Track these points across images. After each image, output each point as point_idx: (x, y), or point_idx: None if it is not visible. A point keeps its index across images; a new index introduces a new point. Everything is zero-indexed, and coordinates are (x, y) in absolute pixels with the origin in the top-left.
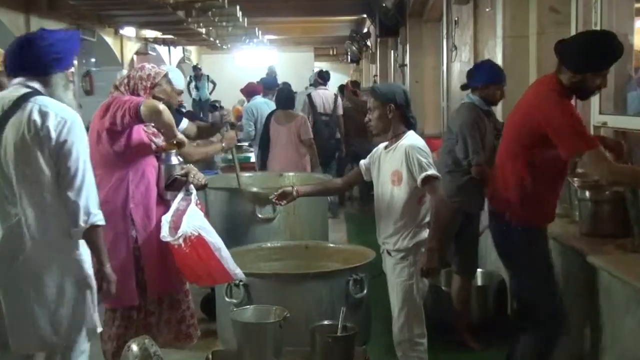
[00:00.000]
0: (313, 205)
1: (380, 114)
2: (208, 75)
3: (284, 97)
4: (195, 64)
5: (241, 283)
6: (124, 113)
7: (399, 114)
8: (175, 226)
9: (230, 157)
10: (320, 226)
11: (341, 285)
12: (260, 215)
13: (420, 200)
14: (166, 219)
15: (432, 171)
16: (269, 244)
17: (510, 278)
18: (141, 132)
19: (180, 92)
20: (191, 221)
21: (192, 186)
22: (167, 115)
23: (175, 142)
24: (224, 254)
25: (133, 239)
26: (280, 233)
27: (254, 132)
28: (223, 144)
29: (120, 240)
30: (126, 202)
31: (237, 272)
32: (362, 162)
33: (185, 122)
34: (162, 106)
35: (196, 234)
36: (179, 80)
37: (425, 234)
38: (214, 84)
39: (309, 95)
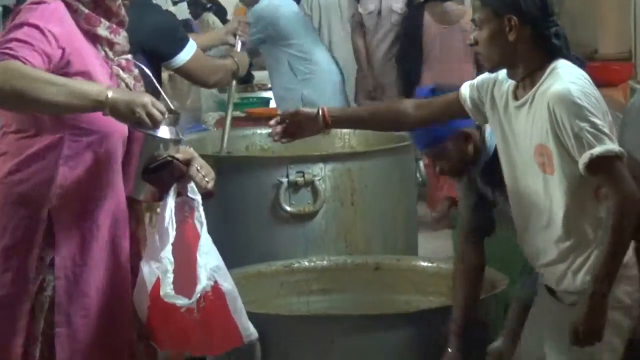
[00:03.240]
0: (388, 187)
1: (492, 33)
2: None
3: None
4: None
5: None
6: None
7: (530, 34)
8: (184, 271)
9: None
10: (402, 229)
11: (444, 336)
12: (288, 208)
13: (599, 194)
14: (167, 256)
15: (604, 146)
16: (305, 262)
17: None
18: (95, 64)
19: None
20: (207, 263)
21: (193, 186)
22: (27, 81)
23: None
24: (239, 304)
25: (45, 266)
26: (326, 241)
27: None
28: (236, 60)
29: (14, 264)
30: (43, 195)
31: (252, 331)
32: (464, 88)
33: (191, 48)
34: (19, 64)
35: (212, 283)
36: None
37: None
38: None
39: None
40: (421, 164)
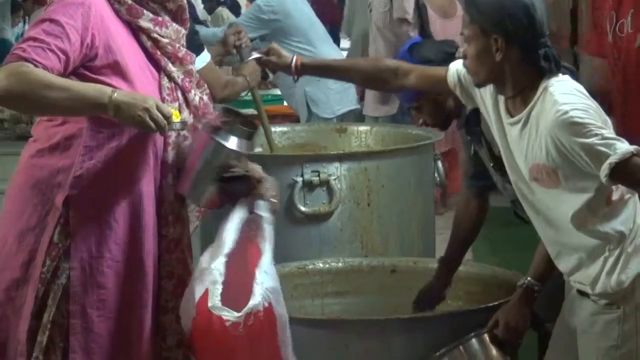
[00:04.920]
0: (406, 187)
1: (479, 51)
2: None
3: None
4: None
5: None
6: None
7: (518, 55)
8: (239, 286)
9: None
10: (419, 230)
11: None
12: (303, 208)
13: (610, 199)
14: (218, 268)
15: (619, 150)
16: (320, 264)
17: None
18: (128, 56)
19: None
20: (265, 282)
21: (263, 204)
22: (32, 85)
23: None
24: (287, 333)
25: (60, 253)
26: (342, 243)
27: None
28: (247, 78)
29: (26, 248)
30: (60, 182)
31: None
32: (452, 74)
33: (206, 58)
34: (26, 68)
35: (266, 304)
36: None
37: None
38: None
39: None
40: (440, 164)
